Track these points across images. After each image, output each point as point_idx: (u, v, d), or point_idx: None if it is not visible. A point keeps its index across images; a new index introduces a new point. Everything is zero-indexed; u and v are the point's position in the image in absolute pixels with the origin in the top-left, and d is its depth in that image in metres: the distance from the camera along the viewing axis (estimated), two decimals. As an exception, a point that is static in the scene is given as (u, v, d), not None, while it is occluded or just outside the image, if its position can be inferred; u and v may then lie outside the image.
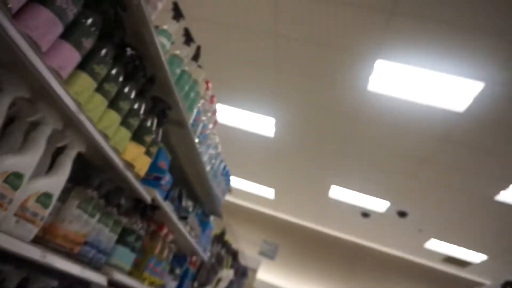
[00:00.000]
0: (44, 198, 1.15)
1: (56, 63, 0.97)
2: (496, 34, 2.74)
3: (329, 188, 6.27)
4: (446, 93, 3.44)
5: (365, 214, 6.66)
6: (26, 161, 1.06)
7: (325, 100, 4.22)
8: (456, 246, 6.48)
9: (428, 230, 6.37)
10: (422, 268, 7.75)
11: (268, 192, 7.44)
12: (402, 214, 6.09)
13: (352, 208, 6.61)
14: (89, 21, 1.09)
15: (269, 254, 7.49)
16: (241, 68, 4.25)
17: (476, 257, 6.47)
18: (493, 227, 5.47)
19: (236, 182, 7.45)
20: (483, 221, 5.41)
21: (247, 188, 7.64)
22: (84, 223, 1.40)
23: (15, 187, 1.02)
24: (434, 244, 6.73)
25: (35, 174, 1.12)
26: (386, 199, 5.94)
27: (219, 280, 3.93)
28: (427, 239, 6.67)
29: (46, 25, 0.92)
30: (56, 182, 1.20)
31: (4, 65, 0.94)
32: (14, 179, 1.02)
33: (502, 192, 4.55)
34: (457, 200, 5.18)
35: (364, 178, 5.66)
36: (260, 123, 5.09)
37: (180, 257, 2.74)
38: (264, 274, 7.26)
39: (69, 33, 1.01)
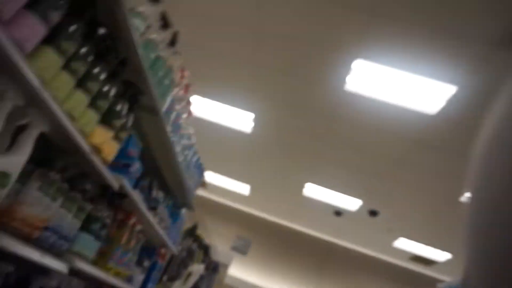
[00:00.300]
0: (1, 177, 1.09)
1: (18, 34, 0.92)
2: (470, 40, 2.84)
3: (304, 185, 6.33)
4: (420, 95, 3.54)
5: (338, 212, 6.77)
6: (-19, 136, 1.00)
7: (303, 98, 4.25)
8: (422, 245, 6.70)
9: (397, 229, 6.55)
10: (389, 266, 7.97)
11: (243, 188, 7.43)
12: (373, 213, 6.23)
13: (325, 206, 6.70)
14: (56, -7, 1.04)
15: (242, 249, 7.49)
16: (220, 60, 4.21)
17: (441, 255, 6.71)
18: (457, 227, 5.68)
19: (211, 177, 7.39)
20: (448, 221, 5.61)
21: (222, 184, 7.60)
22: (45, 207, 1.34)
23: (-33, 164, 0.97)
24: (402, 243, 6.93)
25: (-8, 151, 1.06)
26: (359, 198, 6.06)
27: (189, 275, 3.89)
28: (396, 238, 6.85)
29: (8, -8, 0.87)
30: (15, 162, 1.14)
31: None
32: (-33, 155, 0.96)
33: (467, 193, 4.73)
34: (424, 200, 5.34)
35: (338, 177, 5.75)
36: (238, 118, 5.07)
37: (149, 249, 2.69)
38: (235, 270, 7.26)
39: (34, 4, 0.96)
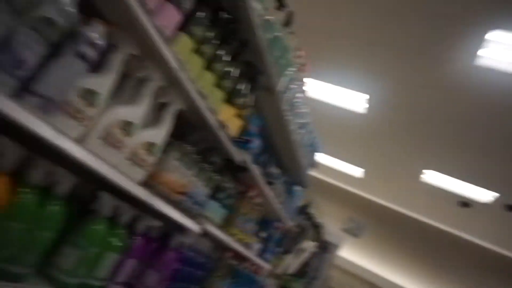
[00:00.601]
0: (151, 146, 1.31)
1: (161, 22, 1.07)
2: None
3: (423, 171, 5.81)
4: None
5: (465, 203, 6.03)
6: (137, 112, 1.21)
7: (423, 77, 3.85)
8: None
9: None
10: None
11: (357, 171, 7.22)
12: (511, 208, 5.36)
13: (448, 195, 6.04)
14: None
15: (354, 232, 7.33)
16: (333, 41, 4.10)
17: None
18: None
19: (324, 158, 7.37)
20: None
21: (335, 166, 7.51)
22: (182, 174, 1.55)
23: (128, 134, 1.18)
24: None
25: (143, 125, 1.27)
26: (493, 190, 5.27)
27: (301, 250, 4.01)
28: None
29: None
30: (160, 134, 1.35)
31: (118, 24, 1.06)
32: (128, 127, 1.18)
33: None
34: None
35: (466, 164, 5.09)
36: (352, 99, 4.91)
37: (266, 221, 2.85)
38: (345, 252, 7.16)
39: (172, -6, 1.10)
